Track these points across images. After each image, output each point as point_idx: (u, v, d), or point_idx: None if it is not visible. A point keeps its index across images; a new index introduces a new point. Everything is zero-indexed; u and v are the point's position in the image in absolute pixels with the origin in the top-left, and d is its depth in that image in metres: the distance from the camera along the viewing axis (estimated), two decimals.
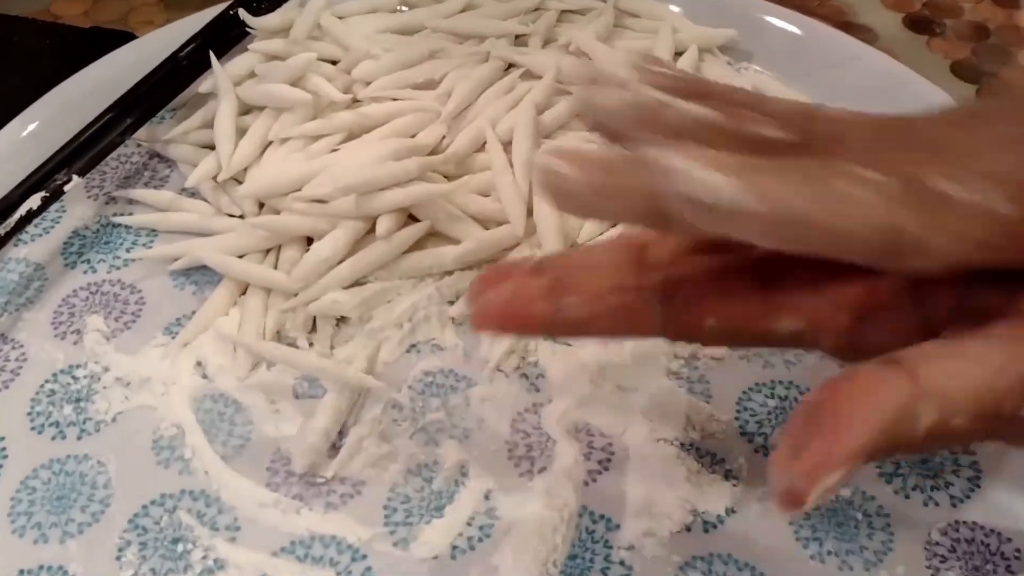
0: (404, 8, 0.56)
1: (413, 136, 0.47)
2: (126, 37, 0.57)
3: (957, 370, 0.22)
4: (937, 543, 0.36)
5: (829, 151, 0.24)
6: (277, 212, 0.45)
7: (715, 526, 0.36)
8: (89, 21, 0.61)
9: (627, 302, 0.26)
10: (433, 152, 0.46)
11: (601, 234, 0.44)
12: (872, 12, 0.61)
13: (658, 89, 0.26)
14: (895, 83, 0.52)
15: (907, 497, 0.37)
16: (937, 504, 0.37)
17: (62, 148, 0.45)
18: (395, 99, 0.49)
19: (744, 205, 0.22)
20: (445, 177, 0.46)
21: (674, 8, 0.56)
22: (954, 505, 0.37)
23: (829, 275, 0.26)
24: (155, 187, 0.49)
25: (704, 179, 0.22)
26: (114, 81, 0.50)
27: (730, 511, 0.37)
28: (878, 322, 0.26)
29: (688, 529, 0.36)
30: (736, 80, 0.53)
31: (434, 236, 0.44)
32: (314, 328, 0.42)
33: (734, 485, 0.37)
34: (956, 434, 0.22)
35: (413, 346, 0.42)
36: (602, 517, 0.36)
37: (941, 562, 0.35)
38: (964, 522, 0.36)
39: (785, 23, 0.55)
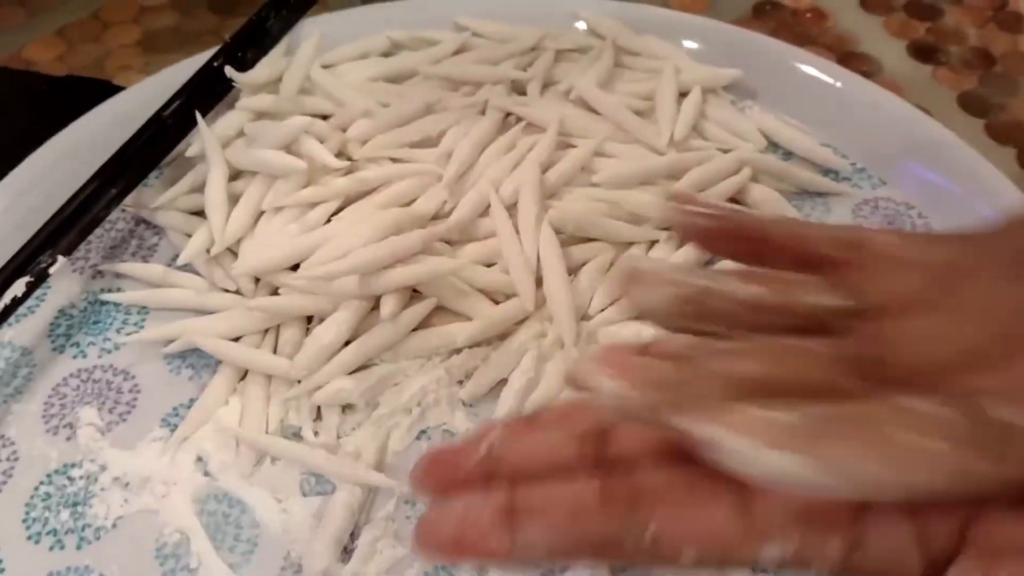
0: (393, 44, 0.54)
1: (412, 201, 0.45)
2: (103, 86, 0.55)
3: None
4: None
5: (879, 333, 0.23)
6: (274, 287, 0.43)
7: None
8: (64, 67, 0.58)
9: (594, 530, 0.24)
10: (435, 217, 0.44)
11: (612, 303, 0.43)
12: (875, 40, 0.59)
13: (696, 228, 0.25)
14: (903, 122, 0.51)
15: None
16: None
17: (44, 226, 0.43)
18: (392, 159, 0.47)
19: (811, 481, 0.21)
20: (447, 242, 0.44)
21: (689, 44, 0.55)
22: None
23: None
24: (143, 257, 0.47)
25: (766, 460, 0.21)
26: (94, 144, 0.48)
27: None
28: (873, 547, 0.23)
29: None
30: (740, 121, 0.51)
31: (440, 311, 0.42)
32: (319, 415, 0.40)
33: None
34: None
35: (423, 432, 0.40)
36: None
37: None
38: None
39: (792, 61, 0.54)
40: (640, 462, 0.25)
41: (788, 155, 0.51)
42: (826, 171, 0.51)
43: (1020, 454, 0.21)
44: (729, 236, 0.25)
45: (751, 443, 0.21)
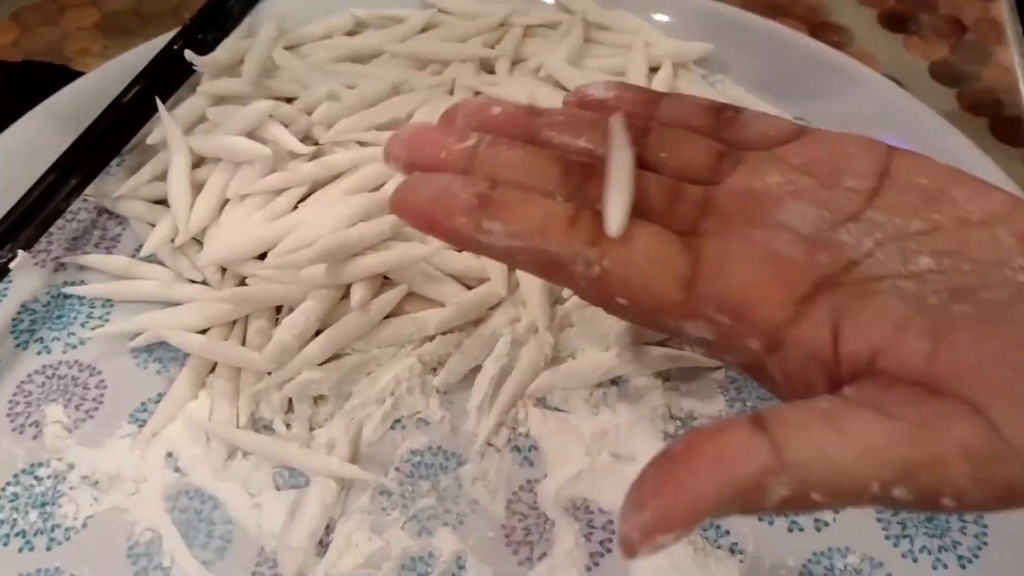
0: (357, 23, 0.53)
1: (381, 186, 0.44)
2: (61, 72, 0.54)
3: (824, 446, 0.20)
4: None
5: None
6: (242, 277, 0.42)
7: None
8: (21, 51, 0.56)
9: (551, 247, 0.24)
10: None
11: None
12: (846, 10, 0.59)
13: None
14: (875, 94, 0.51)
15: (915, 560, 0.36)
16: (946, 567, 0.36)
17: (2, 220, 0.42)
18: (359, 142, 0.46)
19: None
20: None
21: (659, 17, 0.54)
22: (963, 567, 0.36)
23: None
24: (107, 248, 0.46)
25: None
26: (52, 133, 0.46)
27: None
28: (787, 356, 0.24)
29: None
30: (710, 94, 0.51)
31: (411, 297, 0.42)
32: (290, 407, 0.40)
33: (740, 560, 0.36)
34: (816, 505, 0.20)
35: (397, 421, 0.40)
36: None
37: None
38: None
39: (763, 34, 0.53)
40: None
41: None
42: None
43: None
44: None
45: None
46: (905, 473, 0.20)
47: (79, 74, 0.51)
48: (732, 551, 0.36)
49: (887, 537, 0.37)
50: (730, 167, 0.27)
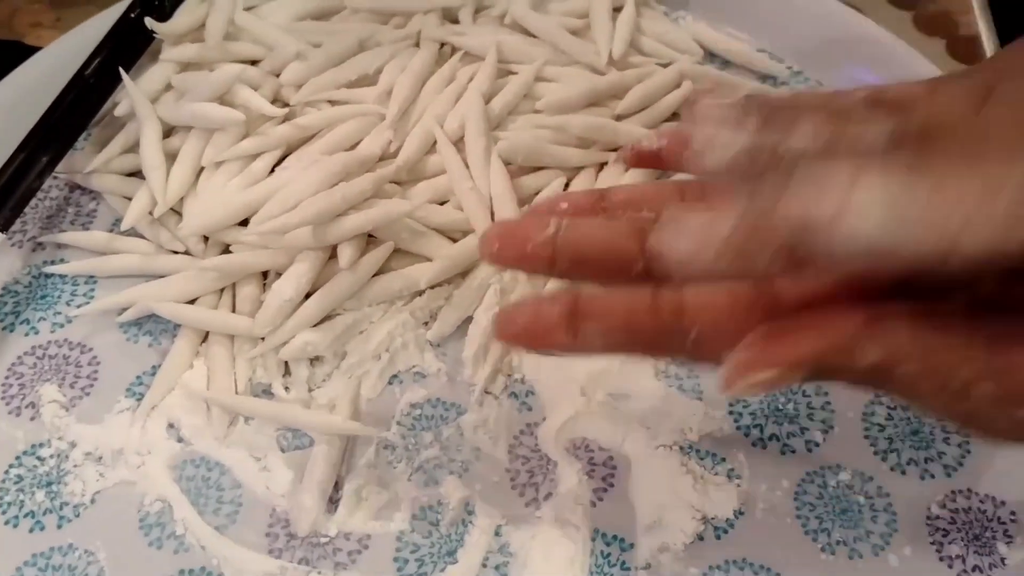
0: None
1: (356, 144, 0.44)
2: (15, 48, 0.52)
3: (919, 330, 0.22)
4: (938, 517, 0.37)
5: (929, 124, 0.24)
6: (225, 245, 0.42)
7: (726, 531, 0.36)
8: None
9: (644, 332, 0.26)
10: (381, 158, 0.44)
11: None
12: None
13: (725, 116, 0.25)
14: (834, 20, 0.51)
15: (903, 473, 0.38)
16: (933, 476, 0.38)
17: None
18: (330, 101, 0.46)
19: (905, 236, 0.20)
20: (396, 183, 0.43)
21: None
22: (948, 475, 0.38)
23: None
24: (83, 224, 0.45)
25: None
26: (15, 111, 0.46)
27: (738, 513, 0.37)
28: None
29: (700, 538, 0.36)
30: (675, 33, 0.51)
31: (397, 253, 0.42)
32: (287, 371, 0.40)
33: (738, 485, 0.37)
34: (905, 383, 0.22)
35: (395, 376, 0.40)
36: (615, 538, 0.36)
37: (943, 536, 0.36)
38: (960, 491, 0.37)
39: None
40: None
41: (725, 64, 0.51)
42: (764, 77, 0.51)
43: None
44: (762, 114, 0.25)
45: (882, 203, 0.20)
46: (994, 371, 0.22)
47: (34, 49, 0.50)
48: (729, 477, 0.38)
49: (875, 453, 0.38)
50: None
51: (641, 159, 0.32)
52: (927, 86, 0.25)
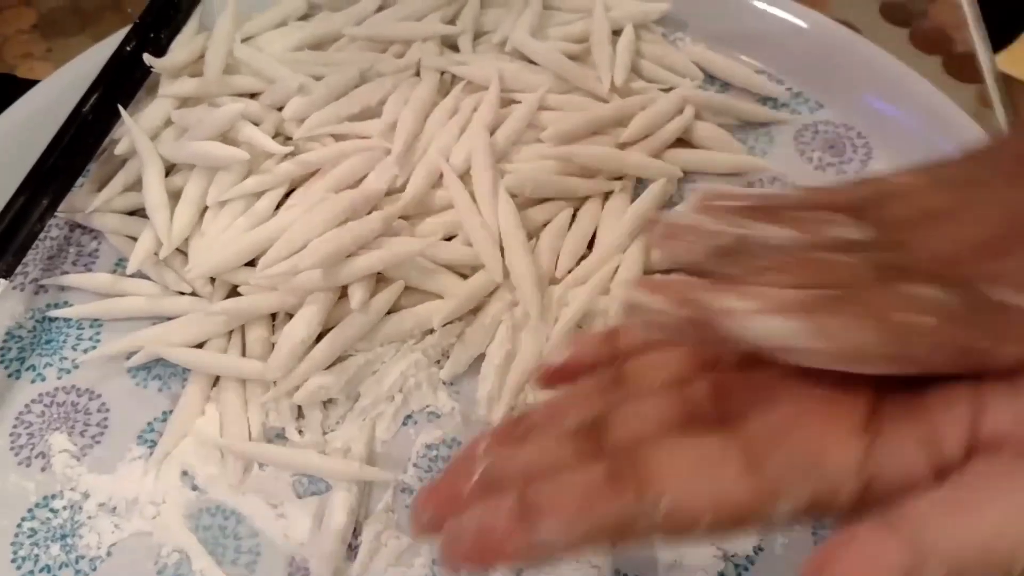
0: (311, 5, 0.52)
1: (361, 179, 0.44)
2: (7, 80, 0.52)
3: (959, 528, 0.21)
4: None
5: (899, 244, 0.25)
6: (232, 285, 0.42)
7: (747, 568, 0.36)
8: None
9: (608, 513, 0.23)
10: (388, 193, 0.43)
11: (578, 264, 0.43)
12: None
13: (732, 217, 0.25)
14: (831, 41, 0.51)
15: None
16: None
17: None
18: (334, 135, 0.45)
19: (804, 345, 0.22)
20: (403, 218, 0.43)
21: None
22: None
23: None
24: (85, 265, 0.45)
25: (766, 324, 0.23)
26: (11, 150, 0.45)
27: (758, 549, 0.37)
28: (884, 475, 0.24)
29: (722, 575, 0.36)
30: (675, 56, 0.51)
31: (407, 290, 0.42)
32: (300, 414, 0.40)
33: None
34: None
35: (409, 417, 0.40)
36: None
37: None
38: None
39: None
40: (641, 440, 0.25)
41: (725, 86, 0.51)
42: (764, 99, 0.51)
43: (1019, 332, 0.22)
44: (766, 215, 0.25)
45: (756, 307, 0.22)
46: None
47: (27, 82, 0.49)
48: None
49: None
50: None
51: (551, 379, 0.30)
52: (922, 175, 0.26)
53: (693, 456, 0.24)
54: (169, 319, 0.42)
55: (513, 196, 0.43)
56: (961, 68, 0.54)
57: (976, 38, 0.55)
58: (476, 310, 0.42)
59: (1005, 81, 0.54)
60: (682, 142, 0.48)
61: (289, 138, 0.45)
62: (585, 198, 0.45)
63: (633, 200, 0.45)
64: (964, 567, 0.21)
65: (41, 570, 0.36)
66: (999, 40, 0.57)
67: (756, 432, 0.24)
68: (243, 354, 0.41)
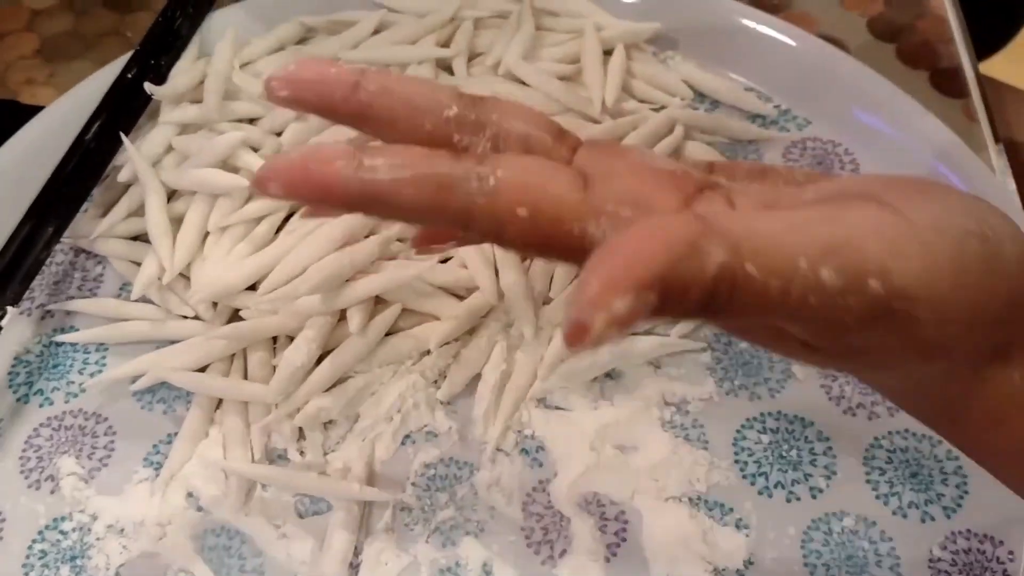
0: (307, 30, 0.53)
1: None
2: (10, 106, 0.53)
3: (752, 219, 0.22)
4: (939, 559, 0.38)
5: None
6: (234, 309, 0.43)
7: None
8: None
9: (440, 169, 0.23)
10: None
11: (572, 281, 0.44)
12: None
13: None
14: (818, 58, 0.52)
15: (905, 516, 0.39)
16: (933, 519, 0.39)
17: None
18: None
19: None
20: (400, 241, 0.44)
21: None
22: (948, 516, 0.39)
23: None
24: (90, 290, 0.46)
25: None
26: (15, 177, 0.46)
27: (748, 563, 0.38)
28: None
29: None
30: (665, 75, 0.52)
31: (404, 312, 0.43)
32: (301, 435, 0.41)
33: (747, 535, 0.39)
34: (753, 283, 0.21)
35: (407, 437, 0.41)
36: None
37: None
38: (960, 532, 0.39)
39: (704, 7, 0.54)
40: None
41: (714, 104, 0.52)
42: (753, 117, 0.52)
43: None
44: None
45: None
46: (828, 250, 0.21)
47: (30, 108, 0.50)
48: (737, 527, 0.39)
49: (877, 497, 0.40)
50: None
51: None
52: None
53: (537, 162, 0.24)
54: (173, 343, 0.43)
55: None
56: (947, 82, 0.55)
57: (962, 52, 0.56)
58: (472, 331, 0.43)
59: (993, 87, 0.55)
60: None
61: None
62: None
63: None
64: (746, 252, 0.21)
65: None
66: (989, 45, 0.58)
67: (596, 173, 0.24)
68: (245, 377, 0.42)
